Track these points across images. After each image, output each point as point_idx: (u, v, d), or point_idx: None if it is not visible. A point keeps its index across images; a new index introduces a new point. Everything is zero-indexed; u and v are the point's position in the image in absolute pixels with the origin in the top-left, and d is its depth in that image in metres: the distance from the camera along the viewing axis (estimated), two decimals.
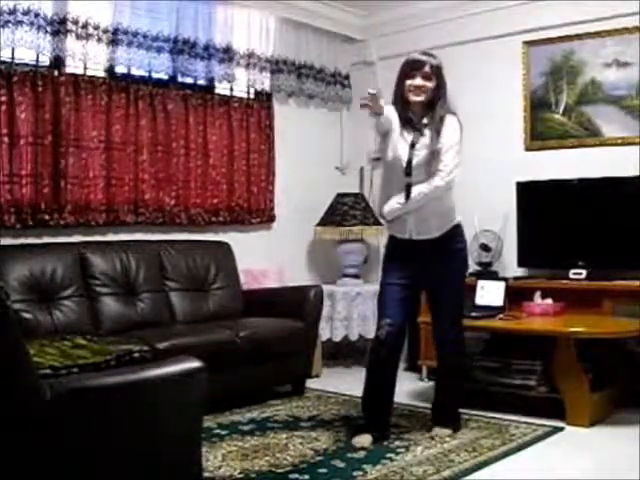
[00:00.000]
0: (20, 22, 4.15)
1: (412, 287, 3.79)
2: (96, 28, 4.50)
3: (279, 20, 5.57)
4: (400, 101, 3.69)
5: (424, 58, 3.67)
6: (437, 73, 3.67)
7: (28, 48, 4.22)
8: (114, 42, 4.59)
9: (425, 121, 3.69)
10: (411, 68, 3.66)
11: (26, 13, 4.17)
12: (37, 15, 4.21)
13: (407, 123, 3.69)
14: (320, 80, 5.94)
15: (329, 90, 6.02)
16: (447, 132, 3.68)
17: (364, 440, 3.67)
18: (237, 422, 4.09)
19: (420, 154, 3.65)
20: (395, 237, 3.82)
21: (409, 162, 3.65)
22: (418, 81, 3.63)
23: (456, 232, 3.84)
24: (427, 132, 3.67)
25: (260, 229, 5.56)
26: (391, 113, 3.65)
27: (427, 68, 3.64)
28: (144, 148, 4.80)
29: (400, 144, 3.68)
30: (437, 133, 3.65)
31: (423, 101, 3.67)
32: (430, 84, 3.65)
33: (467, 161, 5.50)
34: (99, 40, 4.53)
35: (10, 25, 4.12)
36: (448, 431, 3.83)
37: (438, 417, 3.93)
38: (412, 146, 3.66)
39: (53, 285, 4.10)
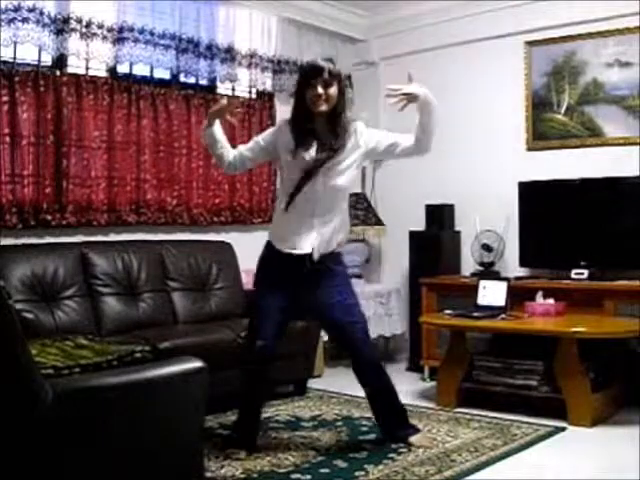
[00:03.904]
0: (25, 19, 4.14)
1: None
2: (100, 27, 4.51)
3: (281, 20, 5.57)
4: (302, 113, 3.47)
5: (322, 63, 3.43)
6: (338, 79, 3.44)
7: (33, 45, 4.20)
8: (120, 40, 4.60)
9: (333, 141, 3.43)
10: (309, 77, 3.42)
11: (31, 10, 4.17)
12: (42, 13, 4.21)
13: (307, 138, 3.45)
14: None
15: None
16: (368, 135, 3.55)
17: (240, 454, 3.50)
18: None
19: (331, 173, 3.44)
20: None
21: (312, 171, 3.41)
22: (319, 90, 3.38)
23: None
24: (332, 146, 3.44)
25: (262, 229, 5.53)
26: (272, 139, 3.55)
27: (326, 74, 3.39)
28: (146, 148, 4.81)
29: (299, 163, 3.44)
30: (342, 147, 3.44)
31: (327, 111, 3.42)
32: (332, 91, 3.41)
33: (469, 161, 5.55)
34: (104, 38, 4.53)
35: (15, 22, 4.11)
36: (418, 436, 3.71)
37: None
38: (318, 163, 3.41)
39: (55, 285, 4.10)
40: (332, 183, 3.46)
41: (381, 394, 3.68)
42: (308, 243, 3.48)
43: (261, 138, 3.64)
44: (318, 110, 3.43)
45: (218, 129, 3.55)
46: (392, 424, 3.71)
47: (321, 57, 3.59)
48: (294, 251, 3.48)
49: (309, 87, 3.41)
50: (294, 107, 3.55)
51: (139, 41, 4.69)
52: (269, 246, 3.60)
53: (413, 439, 3.65)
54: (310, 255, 3.47)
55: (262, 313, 3.57)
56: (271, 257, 3.58)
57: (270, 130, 3.72)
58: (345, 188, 3.55)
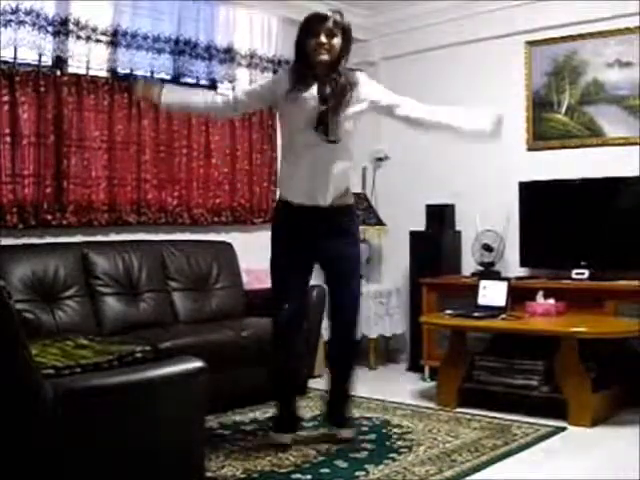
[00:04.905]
0: (23, 22, 4.15)
1: None
2: (94, 30, 4.50)
3: (281, 20, 5.57)
4: (302, 63, 3.40)
5: (327, 13, 3.32)
6: (343, 31, 3.35)
7: (30, 48, 4.21)
8: (114, 44, 4.60)
9: (333, 83, 3.35)
10: (313, 24, 3.32)
11: (29, 13, 4.18)
12: (39, 15, 4.22)
13: (306, 79, 3.37)
14: None
15: None
16: (371, 87, 3.50)
17: (286, 439, 3.60)
18: (239, 422, 4.09)
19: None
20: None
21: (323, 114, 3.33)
22: (322, 38, 3.31)
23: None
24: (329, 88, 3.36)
25: (262, 229, 5.53)
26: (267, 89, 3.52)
27: (330, 24, 3.31)
28: (146, 148, 4.81)
29: (301, 102, 3.36)
30: (342, 93, 3.35)
31: (328, 61, 3.34)
32: (335, 41, 3.34)
33: (469, 161, 5.55)
34: (98, 42, 4.53)
35: (13, 24, 4.12)
36: (349, 431, 3.73)
37: (335, 417, 3.78)
38: (323, 100, 3.34)
39: (55, 285, 4.10)
40: (339, 128, 3.40)
41: (340, 374, 3.72)
42: (321, 191, 3.43)
43: (259, 85, 3.67)
44: (319, 59, 3.35)
45: (171, 97, 3.58)
46: (335, 407, 3.75)
47: (330, 9, 3.45)
48: (308, 202, 3.45)
49: (312, 35, 3.33)
50: (295, 57, 3.47)
51: (135, 46, 4.69)
52: (280, 203, 3.59)
53: (341, 431, 3.70)
54: (324, 207, 3.45)
55: (285, 275, 3.55)
56: (284, 214, 3.55)
57: (270, 78, 3.72)
58: (350, 133, 3.48)
